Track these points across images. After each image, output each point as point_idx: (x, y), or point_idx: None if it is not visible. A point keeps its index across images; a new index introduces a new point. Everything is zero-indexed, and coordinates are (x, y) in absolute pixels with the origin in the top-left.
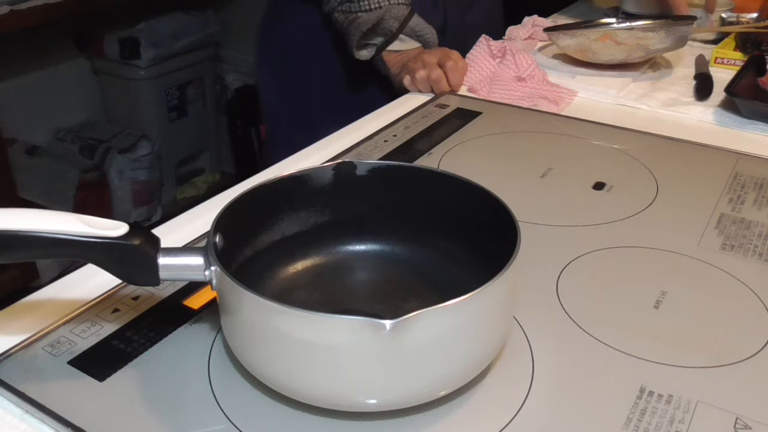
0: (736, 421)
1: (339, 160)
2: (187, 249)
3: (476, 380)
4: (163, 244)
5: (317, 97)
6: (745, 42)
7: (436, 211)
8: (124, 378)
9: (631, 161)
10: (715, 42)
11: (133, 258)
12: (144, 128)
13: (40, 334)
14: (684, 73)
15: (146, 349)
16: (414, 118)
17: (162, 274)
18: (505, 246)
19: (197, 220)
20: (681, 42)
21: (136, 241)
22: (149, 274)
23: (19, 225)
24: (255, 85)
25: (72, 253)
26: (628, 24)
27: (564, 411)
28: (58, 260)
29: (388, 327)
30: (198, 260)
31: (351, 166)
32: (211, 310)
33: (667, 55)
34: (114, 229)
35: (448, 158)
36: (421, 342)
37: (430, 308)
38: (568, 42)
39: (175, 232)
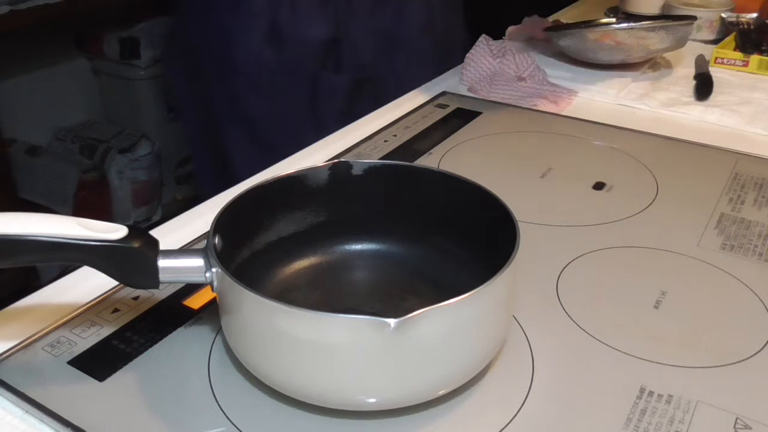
0: (736, 421)
1: (335, 160)
2: (187, 251)
3: (476, 380)
4: (163, 246)
5: (222, 102)
6: (745, 42)
7: (435, 210)
8: (124, 378)
9: (631, 161)
10: (715, 42)
11: (132, 261)
12: (144, 128)
13: (40, 334)
14: (684, 73)
15: (146, 349)
16: (414, 118)
17: (162, 277)
18: (504, 246)
19: (197, 221)
20: (681, 42)
21: (136, 244)
22: (149, 277)
23: (16, 229)
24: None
25: (71, 257)
26: (628, 24)
27: (564, 411)
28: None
29: (392, 325)
30: (198, 262)
31: (347, 165)
32: (211, 310)
33: (667, 55)
34: (113, 231)
35: (448, 158)
36: (424, 341)
37: (434, 306)
38: (568, 42)
39: (174, 232)
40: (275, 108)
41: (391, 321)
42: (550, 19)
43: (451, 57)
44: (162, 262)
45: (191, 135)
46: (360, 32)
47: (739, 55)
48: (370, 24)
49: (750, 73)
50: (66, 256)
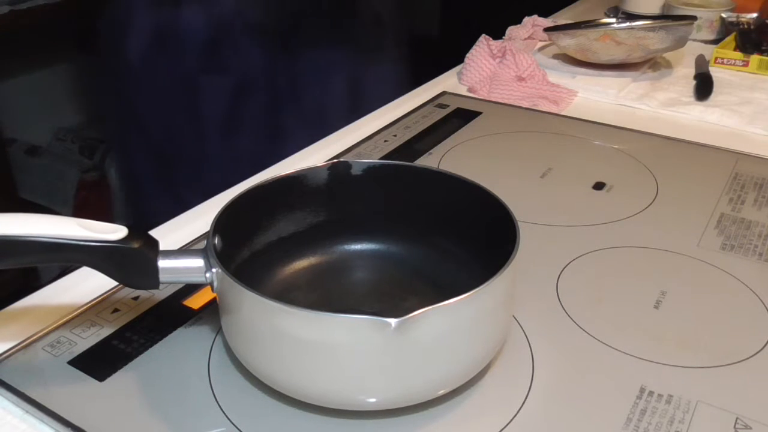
0: (736, 421)
1: (334, 160)
2: (187, 251)
3: (476, 380)
4: (163, 246)
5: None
6: (745, 42)
7: (435, 210)
8: (124, 378)
9: (631, 161)
10: (715, 42)
11: (132, 261)
12: None
13: (40, 334)
14: (684, 73)
15: (146, 349)
16: (414, 118)
17: (162, 278)
18: (504, 245)
19: (196, 221)
20: (681, 42)
21: (136, 245)
22: (149, 277)
23: (16, 230)
24: None
25: (71, 258)
26: (628, 24)
27: (564, 411)
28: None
29: (393, 325)
30: (198, 262)
31: (346, 165)
32: (211, 310)
33: (667, 55)
34: (113, 232)
35: (448, 158)
36: (424, 340)
37: (434, 306)
38: (568, 42)
39: (174, 232)
40: (163, 110)
41: (392, 321)
42: (550, 19)
43: (379, 62)
44: (162, 263)
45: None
46: (244, 32)
47: (739, 55)
48: (255, 24)
49: (750, 73)
50: (66, 257)
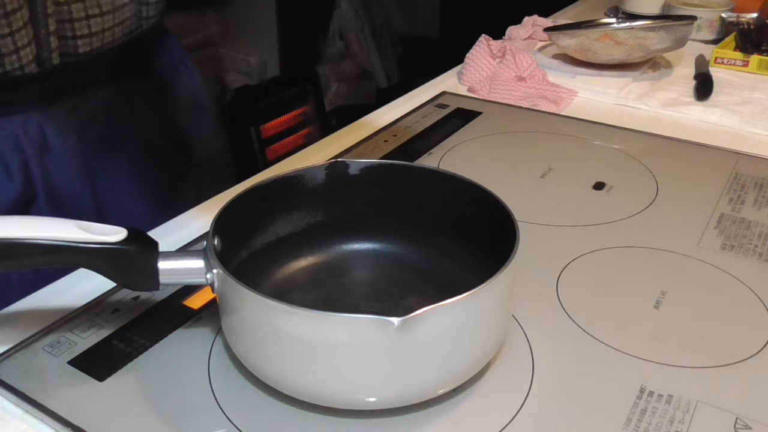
0: (736, 421)
1: (332, 160)
2: (187, 252)
3: (475, 379)
4: (162, 247)
5: None
6: (745, 42)
7: (434, 210)
8: (124, 378)
9: (631, 161)
10: (715, 42)
11: (132, 263)
12: None
13: (40, 334)
14: (684, 73)
15: (146, 349)
16: (414, 118)
17: (162, 279)
18: (504, 245)
19: (195, 222)
20: (681, 42)
21: (135, 246)
22: (149, 279)
23: (15, 232)
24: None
25: (70, 260)
26: (628, 24)
27: (564, 411)
28: None
29: (396, 324)
30: (198, 263)
31: (344, 165)
32: (211, 310)
33: (667, 55)
34: (112, 234)
35: (448, 158)
36: (426, 339)
37: (437, 305)
38: (568, 42)
39: (173, 233)
40: None
41: (395, 320)
42: (550, 19)
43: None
44: (162, 264)
45: None
46: (72, 185)
47: (739, 55)
48: (85, 170)
49: (750, 73)
50: (65, 260)
